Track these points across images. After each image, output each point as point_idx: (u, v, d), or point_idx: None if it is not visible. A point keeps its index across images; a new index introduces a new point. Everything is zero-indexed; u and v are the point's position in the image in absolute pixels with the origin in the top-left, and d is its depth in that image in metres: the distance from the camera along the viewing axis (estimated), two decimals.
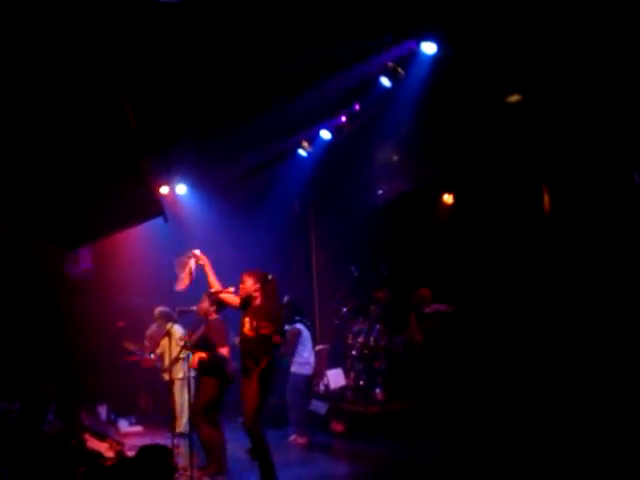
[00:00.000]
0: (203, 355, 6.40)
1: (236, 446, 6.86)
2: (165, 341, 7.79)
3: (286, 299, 8.07)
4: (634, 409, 5.44)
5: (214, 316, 6.68)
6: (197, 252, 6.01)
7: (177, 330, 8.24)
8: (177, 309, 7.66)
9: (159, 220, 7.87)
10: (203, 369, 6.46)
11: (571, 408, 5.94)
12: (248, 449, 6.27)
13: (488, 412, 6.99)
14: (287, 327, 7.95)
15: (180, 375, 7.73)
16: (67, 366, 9.16)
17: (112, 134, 5.18)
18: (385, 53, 7.20)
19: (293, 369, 7.85)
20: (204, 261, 5.97)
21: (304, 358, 7.85)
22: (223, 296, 5.97)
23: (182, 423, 8.00)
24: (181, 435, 7.54)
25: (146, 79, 6.42)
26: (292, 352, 7.83)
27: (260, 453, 5.63)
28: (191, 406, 6.61)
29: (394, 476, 6.32)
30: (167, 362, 7.77)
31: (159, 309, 8.70)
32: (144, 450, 4.08)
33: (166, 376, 8.02)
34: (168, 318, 8.26)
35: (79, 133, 5.26)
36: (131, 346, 9.18)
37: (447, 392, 7.50)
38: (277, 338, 5.56)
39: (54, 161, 5.36)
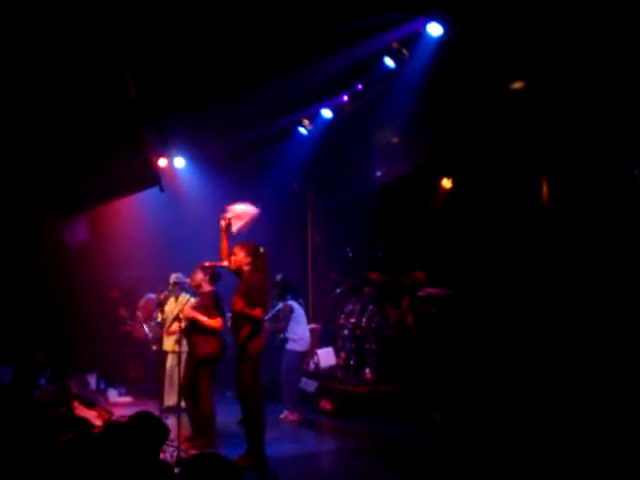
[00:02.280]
0: (197, 317, 6.41)
1: (225, 419, 6.92)
2: (172, 309, 7.67)
3: (279, 277, 8.07)
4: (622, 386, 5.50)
5: (208, 288, 6.67)
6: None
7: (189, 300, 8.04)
8: (172, 280, 7.59)
9: (157, 193, 7.84)
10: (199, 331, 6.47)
11: (564, 399, 5.98)
12: (238, 420, 6.32)
13: (477, 398, 7.04)
14: (280, 304, 8.00)
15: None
16: (59, 334, 9.16)
17: (111, 101, 5.14)
18: (390, 33, 7.13)
19: (288, 346, 7.87)
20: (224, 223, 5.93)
21: (297, 335, 7.86)
22: (219, 263, 5.96)
23: None
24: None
25: (147, 48, 6.35)
26: (285, 329, 7.84)
27: (253, 424, 5.66)
28: (184, 375, 6.61)
29: (378, 454, 6.37)
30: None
31: (174, 276, 8.10)
32: (136, 418, 4.08)
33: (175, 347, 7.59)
34: (182, 287, 7.93)
35: (78, 99, 5.22)
36: (124, 313, 9.10)
37: (436, 376, 7.55)
38: (257, 311, 5.59)
39: (51, 126, 5.32)
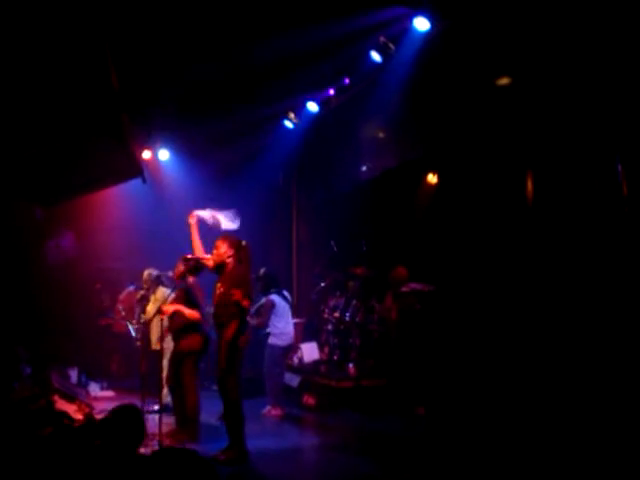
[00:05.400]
0: (180, 308, 6.39)
1: (208, 414, 6.88)
2: (152, 308, 7.52)
3: (262, 271, 8.00)
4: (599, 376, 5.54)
5: (190, 280, 6.65)
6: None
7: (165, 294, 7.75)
8: (154, 273, 7.53)
9: (140, 185, 7.76)
10: (181, 326, 6.44)
11: (546, 393, 6.01)
12: (220, 416, 6.28)
13: (459, 393, 7.06)
14: (263, 299, 7.94)
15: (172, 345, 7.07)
16: (40, 327, 9.06)
17: (93, 90, 5.07)
18: (377, 27, 7.11)
19: (270, 341, 7.81)
20: (193, 221, 5.96)
21: (279, 329, 7.77)
22: (200, 256, 5.97)
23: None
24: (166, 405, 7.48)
25: (131, 37, 6.28)
26: (266, 323, 7.77)
27: (232, 418, 5.64)
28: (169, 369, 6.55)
29: (360, 448, 6.36)
30: (156, 331, 7.37)
31: (148, 271, 8.05)
32: (116, 412, 4.05)
33: (156, 346, 7.45)
34: (159, 282, 7.87)
35: (59, 88, 5.15)
36: (106, 305, 9.00)
37: (419, 371, 7.56)
38: (246, 302, 5.60)
39: (31, 116, 5.24)
